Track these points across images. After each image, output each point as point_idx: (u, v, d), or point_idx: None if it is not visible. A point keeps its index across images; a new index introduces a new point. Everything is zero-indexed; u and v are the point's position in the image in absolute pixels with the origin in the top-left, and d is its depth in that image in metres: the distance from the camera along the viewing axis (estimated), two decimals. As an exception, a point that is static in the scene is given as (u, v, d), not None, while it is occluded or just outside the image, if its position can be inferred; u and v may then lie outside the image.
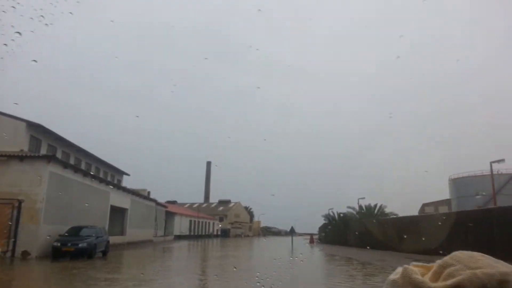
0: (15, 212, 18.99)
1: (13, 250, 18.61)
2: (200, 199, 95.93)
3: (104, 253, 21.65)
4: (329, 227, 44.71)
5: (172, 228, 56.14)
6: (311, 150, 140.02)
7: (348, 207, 42.90)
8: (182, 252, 30.77)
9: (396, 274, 0.97)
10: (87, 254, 19.15)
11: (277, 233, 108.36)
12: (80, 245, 19.02)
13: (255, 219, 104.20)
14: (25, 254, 18.73)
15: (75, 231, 20.38)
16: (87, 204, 23.71)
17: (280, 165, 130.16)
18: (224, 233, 77.39)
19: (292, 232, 40.21)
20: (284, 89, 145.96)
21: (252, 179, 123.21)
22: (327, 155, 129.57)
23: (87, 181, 24.90)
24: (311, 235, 45.81)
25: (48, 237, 18.96)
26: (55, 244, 18.87)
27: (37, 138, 26.18)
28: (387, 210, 40.50)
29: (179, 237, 56.56)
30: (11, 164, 19.63)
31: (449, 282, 0.86)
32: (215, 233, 75.39)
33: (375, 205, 41.19)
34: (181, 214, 60.27)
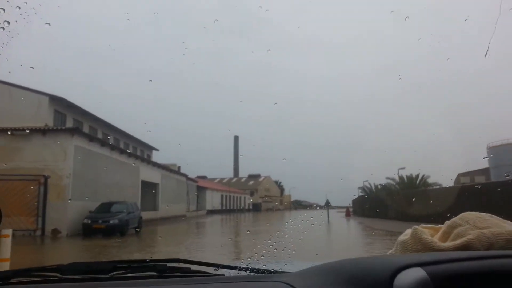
0: (41, 189, 17.90)
1: (43, 229, 17.62)
2: (229, 174, 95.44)
3: (137, 229, 20.49)
4: (366, 199, 42.54)
5: (204, 203, 55.52)
6: (339, 119, 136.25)
7: (387, 178, 40.46)
8: (216, 227, 29.56)
9: (405, 235, 0.99)
10: (119, 230, 17.96)
11: (308, 206, 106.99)
12: (111, 221, 17.82)
13: (285, 193, 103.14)
14: (55, 232, 17.72)
15: (106, 207, 19.22)
16: (118, 178, 22.56)
17: (309, 139, 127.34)
18: (255, 207, 76.58)
19: (327, 205, 38.45)
20: (300, 60, 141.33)
21: (281, 153, 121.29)
22: (357, 124, 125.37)
23: (116, 155, 23.64)
24: (347, 208, 43.73)
25: (83, 204, 17.89)
26: (86, 221, 17.75)
27: (61, 113, 25.02)
28: (430, 181, 37.94)
29: (211, 212, 55.97)
30: (33, 138, 18.44)
31: (458, 241, 0.88)
32: (246, 207, 74.71)
33: (417, 175, 38.62)
34: (213, 189, 59.50)
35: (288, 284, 0.86)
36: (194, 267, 1.19)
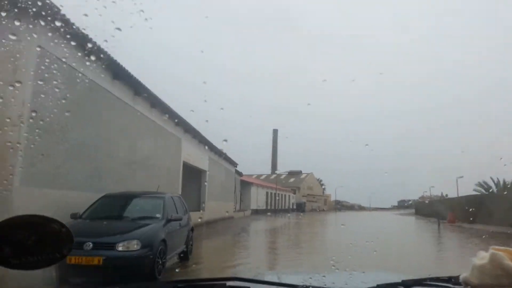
0: None
1: None
2: (264, 170, 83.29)
3: (185, 253, 8.75)
4: (482, 200, 29.53)
5: (249, 201, 43.78)
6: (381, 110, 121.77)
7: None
8: (305, 239, 17.41)
9: (482, 259, 0.91)
10: (141, 270, 6.24)
11: (350, 207, 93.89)
12: (120, 247, 6.15)
13: (326, 192, 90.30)
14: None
15: (115, 207, 7.59)
16: (144, 150, 10.93)
17: (347, 136, 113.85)
18: (299, 207, 64.43)
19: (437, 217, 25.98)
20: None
21: (318, 150, 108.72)
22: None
23: (143, 106, 12.03)
24: (450, 212, 30.80)
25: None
26: (52, 243, 6.14)
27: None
28: None
29: (256, 212, 44.24)
30: None
31: None
32: (290, 206, 62.52)
33: None
34: (257, 185, 47.75)
35: None
36: (253, 286, 1.14)
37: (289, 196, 62.87)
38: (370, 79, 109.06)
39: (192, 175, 19.80)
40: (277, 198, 55.13)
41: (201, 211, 20.85)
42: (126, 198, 7.89)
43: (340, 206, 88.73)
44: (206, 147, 20.55)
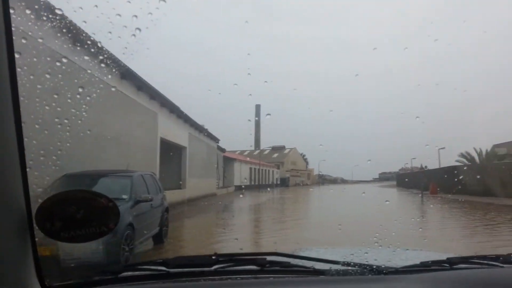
0: None
1: None
2: (246, 146, 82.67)
3: (159, 237, 8.03)
4: (465, 171, 29.68)
5: (232, 177, 43.29)
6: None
7: (497, 145, 27.85)
8: (290, 215, 16.91)
9: None
10: (103, 258, 5.51)
11: (333, 181, 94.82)
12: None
13: (309, 166, 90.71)
14: None
15: (75, 188, 6.77)
16: (114, 125, 10.00)
17: (327, 110, 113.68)
18: (283, 182, 64.62)
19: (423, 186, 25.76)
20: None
21: (300, 125, 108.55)
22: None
23: (110, 77, 11.00)
24: (432, 183, 30.89)
25: None
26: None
27: None
28: None
29: (240, 188, 43.85)
30: None
31: None
32: (274, 182, 62.49)
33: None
34: (241, 161, 47.18)
35: None
36: (293, 261, 1.14)
37: (273, 171, 62.76)
38: (357, 57, 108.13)
39: (172, 152, 18.91)
40: (261, 173, 54.90)
41: (182, 188, 20.12)
42: (88, 178, 7.05)
43: (323, 180, 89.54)
44: (186, 123, 19.56)
